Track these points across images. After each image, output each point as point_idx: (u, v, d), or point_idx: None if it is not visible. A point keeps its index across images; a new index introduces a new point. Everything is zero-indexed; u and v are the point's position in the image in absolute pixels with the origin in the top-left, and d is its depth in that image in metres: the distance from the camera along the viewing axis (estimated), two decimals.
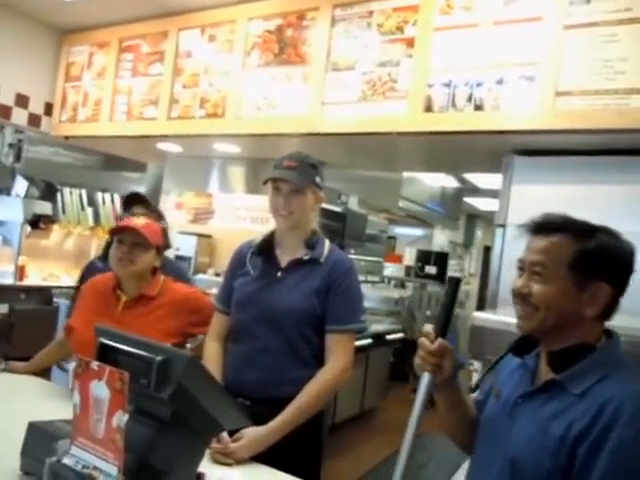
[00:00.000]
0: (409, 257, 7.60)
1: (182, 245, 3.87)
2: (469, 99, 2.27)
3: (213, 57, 3.08)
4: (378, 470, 3.66)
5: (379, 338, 4.58)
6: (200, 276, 3.80)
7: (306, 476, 1.36)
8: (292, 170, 1.59)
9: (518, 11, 2.17)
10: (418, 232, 8.36)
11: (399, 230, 8.19)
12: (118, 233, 1.79)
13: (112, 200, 4.73)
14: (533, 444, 1.00)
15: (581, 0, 2.04)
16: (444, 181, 5.82)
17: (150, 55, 3.37)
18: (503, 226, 2.40)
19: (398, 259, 7.43)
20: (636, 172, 2.11)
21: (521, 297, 1.07)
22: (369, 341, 4.13)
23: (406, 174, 5.09)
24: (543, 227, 1.07)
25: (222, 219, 4.01)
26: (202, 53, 3.13)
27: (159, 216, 2.22)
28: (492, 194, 3.85)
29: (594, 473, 0.92)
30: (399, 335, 5.18)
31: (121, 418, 0.90)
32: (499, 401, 1.14)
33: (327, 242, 1.65)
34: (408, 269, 7.19)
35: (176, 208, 4.25)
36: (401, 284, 6.99)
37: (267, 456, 1.43)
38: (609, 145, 2.13)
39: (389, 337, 4.92)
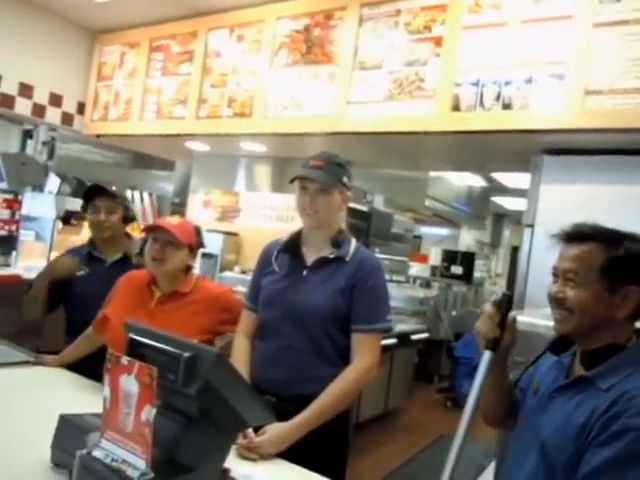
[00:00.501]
0: (435, 257, 7.54)
1: (209, 243, 3.87)
2: (497, 98, 2.24)
3: (241, 57, 3.10)
4: (401, 470, 3.65)
5: (404, 338, 4.56)
6: (226, 273, 3.85)
7: (331, 474, 1.36)
8: (319, 169, 1.60)
9: (547, 9, 2.14)
10: (444, 232, 8.28)
11: (425, 229, 8.14)
12: (152, 231, 1.83)
13: (141, 198, 4.82)
14: (560, 431, 1.09)
15: None
16: (471, 180, 5.76)
17: (180, 55, 3.42)
18: (531, 226, 2.37)
19: (424, 259, 7.38)
20: None
21: (557, 301, 1.15)
22: (394, 341, 4.12)
23: (432, 173, 5.06)
24: (574, 236, 1.16)
25: (248, 217, 4.05)
26: (230, 53, 3.16)
27: (126, 207, 2.24)
28: (520, 193, 3.79)
29: (592, 455, 1.01)
30: (424, 335, 5.14)
31: (149, 412, 0.92)
32: (537, 395, 1.23)
33: (354, 241, 1.66)
34: (434, 269, 7.14)
35: (203, 206, 4.30)
36: (426, 284, 6.94)
37: (292, 453, 1.45)
38: (637, 144, 2.08)
39: (414, 337, 4.89)
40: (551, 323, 1.71)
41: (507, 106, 2.22)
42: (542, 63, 2.14)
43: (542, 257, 2.31)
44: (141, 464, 0.93)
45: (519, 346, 1.29)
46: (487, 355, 1.24)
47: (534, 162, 2.40)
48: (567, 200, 2.27)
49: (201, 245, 1.93)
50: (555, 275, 1.18)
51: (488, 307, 1.27)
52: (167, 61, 3.48)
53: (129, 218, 2.28)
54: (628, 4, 1.97)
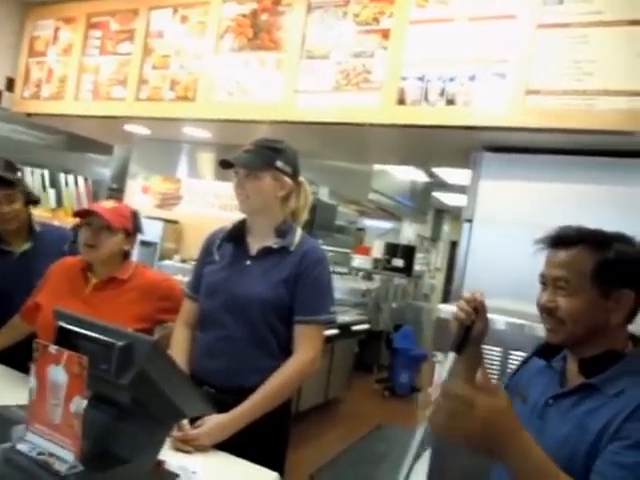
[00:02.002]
0: (377, 249, 7.67)
1: (147, 230, 3.77)
2: (441, 94, 2.28)
3: (185, 39, 3.01)
4: (340, 458, 3.69)
5: (345, 329, 4.61)
6: (166, 262, 3.75)
7: (271, 464, 1.35)
8: (248, 153, 1.58)
9: (493, 8, 2.18)
10: (387, 225, 8.43)
11: (368, 222, 8.25)
12: (84, 216, 1.75)
13: (76, 182, 4.61)
14: (572, 440, 1.02)
15: (554, 1, 2.07)
16: (414, 175, 5.87)
17: (119, 33, 3.27)
18: (470, 221, 2.43)
19: (366, 251, 7.48)
20: (602, 172, 2.16)
21: (548, 311, 1.10)
22: (336, 331, 4.16)
23: (377, 167, 5.12)
24: (560, 241, 1.11)
25: (190, 205, 3.95)
26: (174, 34, 3.05)
27: (25, 191, 2.09)
28: (460, 190, 3.90)
29: (616, 454, 0.95)
30: (365, 326, 5.23)
31: (79, 404, 0.88)
32: (527, 403, 1.16)
33: (299, 231, 1.64)
34: (376, 261, 7.26)
35: (142, 192, 4.16)
36: (368, 276, 7.04)
37: (231, 444, 1.42)
38: (576, 145, 2.17)
39: (355, 328, 4.96)
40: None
41: (451, 102, 2.26)
42: (485, 61, 2.19)
43: (480, 252, 2.39)
44: (70, 457, 0.88)
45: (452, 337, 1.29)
46: (451, 357, 1.18)
47: (474, 158, 2.46)
48: (505, 196, 2.35)
49: (138, 230, 1.87)
50: (543, 283, 1.14)
51: (467, 293, 1.24)
52: (105, 39, 3.32)
53: (32, 201, 2.14)
54: (571, 7, 2.04)
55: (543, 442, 1.03)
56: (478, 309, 1.22)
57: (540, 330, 1.67)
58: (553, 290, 1.10)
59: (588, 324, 1.07)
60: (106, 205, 1.79)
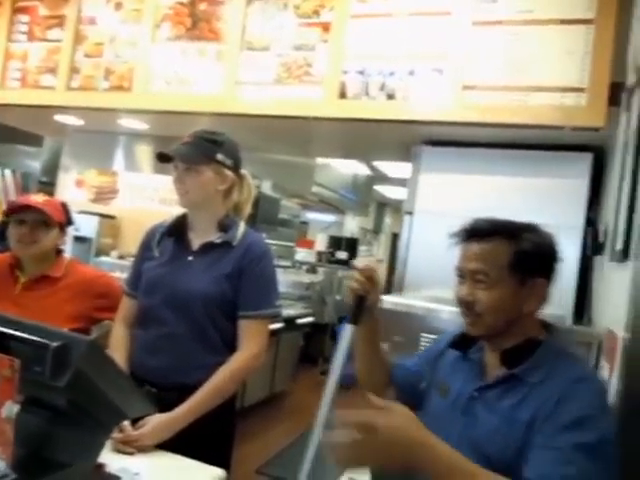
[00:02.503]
0: (321, 242, 7.71)
1: (82, 226, 3.64)
2: (382, 88, 2.31)
3: (119, 26, 2.89)
4: (286, 452, 3.70)
5: (290, 322, 4.61)
6: (103, 258, 3.62)
7: (216, 461, 1.34)
8: (186, 146, 1.54)
9: (430, 4, 2.23)
10: (330, 218, 8.48)
11: (311, 215, 8.27)
12: (17, 212, 1.67)
13: (2, 175, 4.36)
14: (500, 435, 1.02)
15: None
16: (356, 169, 5.93)
17: (48, 19, 3.11)
18: (411, 213, 2.49)
19: (310, 244, 7.51)
20: (535, 165, 2.26)
21: (466, 305, 1.11)
22: (280, 325, 4.15)
23: (320, 160, 5.13)
24: (475, 233, 1.12)
25: (127, 199, 3.83)
26: (107, 21, 2.93)
27: None
28: (401, 182, 3.98)
29: (539, 435, 0.97)
30: (309, 319, 5.25)
31: (11, 409, 0.83)
32: (448, 397, 1.16)
33: (242, 225, 1.62)
34: (319, 254, 7.30)
35: (76, 186, 3.99)
36: (312, 269, 7.07)
37: (175, 443, 1.39)
38: (511, 139, 2.27)
39: (299, 321, 4.97)
40: (428, 304, 1.82)
41: (391, 96, 2.29)
42: (424, 57, 2.23)
43: (420, 243, 2.45)
44: (1, 465, 0.84)
45: (399, 326, 1.31)
46: (349, 329, 1.17)
47: (414, 152, 2.51)
48: (444, 189, 2.41)
49: (70, 223, 1.79)
50: (461, 276, 1.14)
51: (359, 263, 1.23)
52: (33, 25, 3.15)
53: None
54: (504, 5, 2.11)
55: (472, 436, 1.06)
56: (372, 278, 1.20)
57: None
58: (471, 283, 1.10)
59: (506, 315, 1.08)
60: (38, 199, 1.71)
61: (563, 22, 2.02)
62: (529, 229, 1.12)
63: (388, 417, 0.83)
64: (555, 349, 1.10)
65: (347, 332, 1.16)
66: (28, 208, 1.65)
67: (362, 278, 1.20)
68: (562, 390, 0.99)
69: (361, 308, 1.20)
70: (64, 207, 1.78)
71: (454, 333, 1.24)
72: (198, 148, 1.53)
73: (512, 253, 1.08)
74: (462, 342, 1.20)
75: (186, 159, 1.52)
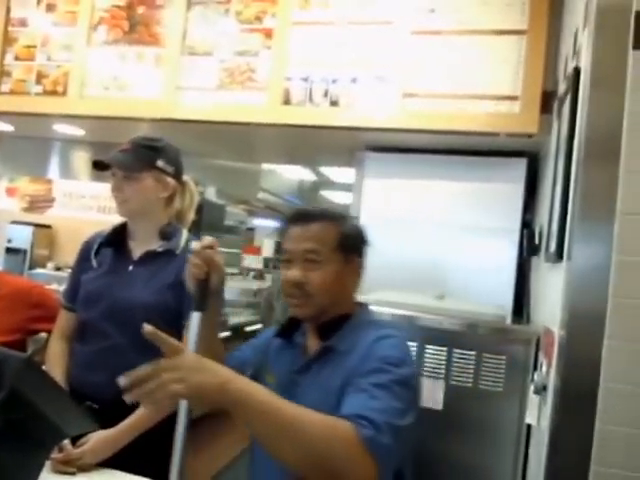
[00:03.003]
0: (267, 248, 7.67)
1: (15, 236, 3.48)
2: (325, 95, 2.33)
3: (53, 29, 2.78)
4: (237, 462, 3.64)
5: (238, 330, 4.56)
6: (38, 270, 3.46)
7: (162, 478, 1.30)
8: (125, 153, 1.50)
9: (371, 13, 2.27)
10: (276, 224, 8.45)
11: (258, 221, 8.22)
12: None
13: None
14: (320, 406, 1.04)
15: (427, 9, 2.19)
16: (301, 174, 5.94)
17: None
18: (356, 218, 2.51)
19: (257, 250, 7.46)
20: (474, 170, 2.34)
21: (297, 286, 1.16)
22: (228, 334, 4.09)
23: (265, 166, 5.10)
24: (304, 216, 1.20)
25: (64, 208, 3.69)
26: (39, 23, 2.81)
27: None
28: (346, 188, 4.01)
29: (347, 396, 1.04)
30: (258, 326, 5.21)
31: None
32: (276, 385, 1.19)
33: (185, 232, 1.59)
34: (267, 260, 7.26)
35: (7, 195, 3.80)
36: (260, 275, 7.02)
37: (118, 460, 1.35)
38: (451, 145, 2.33)
39: (248, 329, 4.92)
40: (374, 307, 1.84)
41: (334, 103, 2.31)
42: (366, 64, 2.27)
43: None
44: None
45: None
46: (196, 317, 1.13)
47: (358, 158, 2.55)
48: (387, 194, 2.46)
49: None
50: (288, 260, 1.18)
51: (195, 245, 1.18)
52: None
53: None
54: (441, 16, 2.17)
55: None
56: (210, 260, 1.16)
57: (425, 320, 1.77)
58: (302, 265, 1.16)
59: (332, 293, 1.16)
60: None
61: (498, 32, 2.11)
62: (347, 215, 1.27)
63: (185, 356, 0.88)
64: (363, 320, 1.21)
65: (194, 320, 1.12)
66: None
67: (199, 261, 1.16)
68: (364, 351, 1.10)
69: (205, 293, 1.15)
70: None
71: (279, 323, 1.31)
72: (137, 155, 1.49)
73: (339, 233, 1.18)
74: (286, 329, 1.27)
75: (125, 167, 1.48)
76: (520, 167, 2.30)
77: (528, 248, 2.01)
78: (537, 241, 1.95)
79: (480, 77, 2.12)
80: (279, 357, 1.25)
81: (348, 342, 1.14)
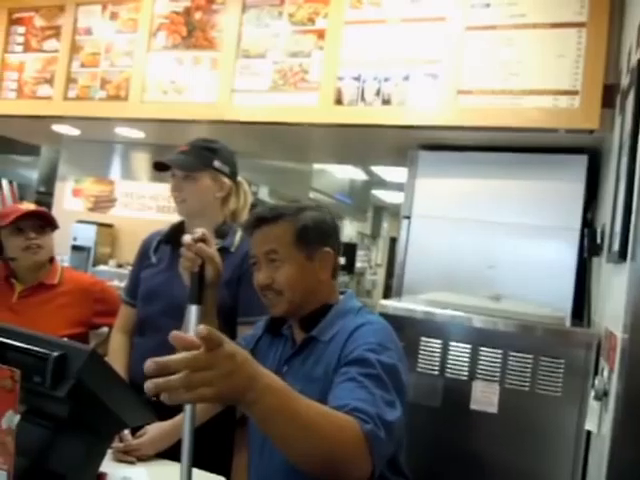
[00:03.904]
0: None
1: (80, 235, 3.65)
2: (377, 93, 2.32)
3: (115, 36, 2.91)
4: None
5: None
6: (101, 267, 3.61)
7: (217, 469, 1.33)
8: (183, 154, 1.55)
9: (424, 10, 2.25)
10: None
11: None
12: (14, 222, 1.68)
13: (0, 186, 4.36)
14: (305, 395, 1.04)
15: (482, 3, 2.15)
16: (353, 173, 5.95)
17: (44, 30, 3.12)
18: (408, 218, 2.49)
19: None
20: (531, 168, 2.27)
21: (267, 287, 1.18)
22: None
23: (316, 166, 5.14)
24: (261, 220, 1.20)
25: (125, 207, 3.83)
26: (103, 31, 2.94)
27: None
28: (398, 187, 3.99)
29: (335, 382, 1.03)
30: None
31: (11, 419, 0.83)
32: None
33: (239, 231, 1.62)
34: None
35: (73, 195, 3.99)
36: None
37: (175, 452, 1.39)
38: (506, 142, 2.27)
39: None
40: (427, 308, 1.82)
41: (386, 102, 2.30)
42: (418, 62, 2.25)
43: (418, 247, 2.45)
44: (2, 476, 0.84)
45: (398, 331, 1.28)
46: (194, 310, 1.11)
47: (410, 157, 2.52)
48: (441, 193, 2.42)
49: (55, 228, 1.82)
50: (255, 264, 1.21)
51: (186, 238, 1.21)
52: (30, 35, 3.16)
53: None
54: (497, 10, 2.12)
55: None
56: (202, 252, 1.18)
57: (480, 321, 1.74)
58: (266, 266, 1.18)
59: (303, 287, 1.18)
60: (30, 207, 1.74)
61: (555, 26, 2.04)
62: (308, 208, 1.24)
63: (223, 351, 0.75)
64: (345, 308, 1.21)
65: (192, 313, 1.11)
66: (27, 215, 1.67)
67: (191, 254, 1.18)
68: (344, 339, 1.10)
69: (200, 286, 1.16)
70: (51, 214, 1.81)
71: (266, 320, 1.32)
72: (196, 156, 1.54)
73: (295, 229, 1.18)
74: (273, 325, 1.28)
75: (184, 167, 1.53)
76: (580, 164, 2.21)
77: (589, 248, 1.93)
78: (599, 241, 1.87)
79: (537, 72, 2.05)
80: (268, 353, 1.27)
81: (329, 331, 1.16)
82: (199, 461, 1.33)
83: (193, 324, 1.08)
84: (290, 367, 1.19)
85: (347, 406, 0.93)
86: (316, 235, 1.20)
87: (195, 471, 1.31)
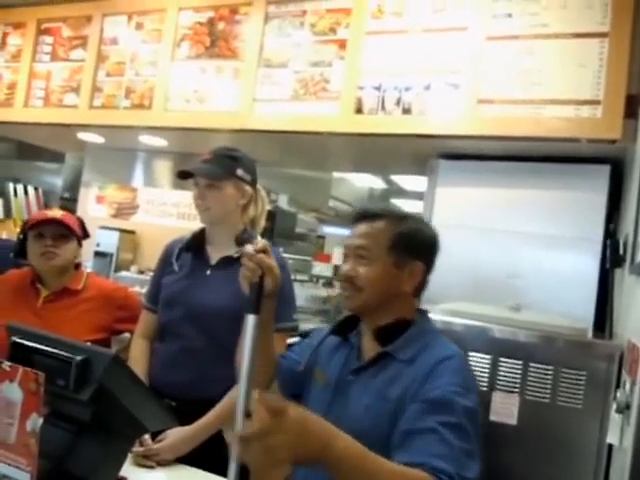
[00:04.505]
0: (337, 256, 7.69)
1: (103, 241, 3.71)
2: (397, 103, 2.33)
3: (140, 46, 2.96)
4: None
5: (307, 336, 4.60)
6: (123, 273, 3.66)
7: (216, 470, 1.34)
8: (207, 163, 1.56)
9: (445, 20, 2.25)
10: (347, 232, 8.45)
11: (328, 229, 8.27)
12: (38, 226, 1.72)
13: (25, 191, 4.46)
14: (373, 412, 1.08)
15: (503, 13, 2.14)
16: (372, 182, 5.94)
17: (72, 39, 3.20)
18: (427, 223, 2.48)
19: (327, 258, 7.49)
20: (552, 178, 2.24)
21: (347, 279, 1.18)
22: (298, 339, 4.15)
23: (336, 174, 5.15)
24: (364, 215, 1.20)
25: (147, 214, 3.88)
26: (128, 41, 3.01)
27: None
28: (417, 196, 3.98)
29: (407, 413, 1.02)
30: None
31: (35, 421, 0.85)
32: (327, 386, 1.20)
33: (260, 238, 1.63)
34: (336, 268, 7.28)
35: (97, 202, 4.06)
36: (329, 283, 7.05)
37: (195, 457, 1.40)
38: (527, 152, 2.26)
39: None
40: (447, 318, 1.81)
41: (407, 111, 2.31)
42: (439, 71, 2.25)
43: (438, 256, 2.44)
44: (26, 477, 0.85)
45: None
46: (251, 319, 1.11)
47: (430, 166, 2.51)
48: (461, 202, 2.41)
49: (86, 236, 1.84)
50: (346, 255, 1.22)
51: (248, 248, 1.18)
52: (57, 45, 3.24)
53: None
54: (518, 20, 2.12)
55: (346, 416, 1.09)
56: (263, 263, 1.16)
57: (500, 332, 1.72)
58: (354, 260, 1.18)
59: (382, 290, 1.16)
60: (56, 214, 1.76)
61: (577, 36, 2.02)
62: (414, 218, 1.23)
63: (288, 419, 0.77)
64: (425, 329, 1.19)
65: (250, 323, 1.10)
66: (48, 222, 1.70)
67: (252, 264, 1.16)
68: (428, 370, 1.07)
69: (259, 296, 1.15)
70: (80, 221, 1.83)
71: (334, 323, 1.30)
72: (219, 165, 1.56)
73: (393, 234, 1.17)
74: (342, 328, 1.26)
75: (208, 176, 1.55)
76: (603, 174, 2.18)
77: (612, 259, 1.90)
78: (621, 252, 1.85)
79: (559, 81, 2.04)
80: (332, 356, 1.25)
81: (408, 352, 1.13)
82: (218, 468, 1.35)
83: (251, 334, 1.10)
84: (357, 378, 1.16)
85: (426, 464, 0.91)
86: (411, 246, 1.18)
87: (195, 471, 1.32)
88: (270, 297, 1.21)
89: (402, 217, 1.20)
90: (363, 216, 1.21)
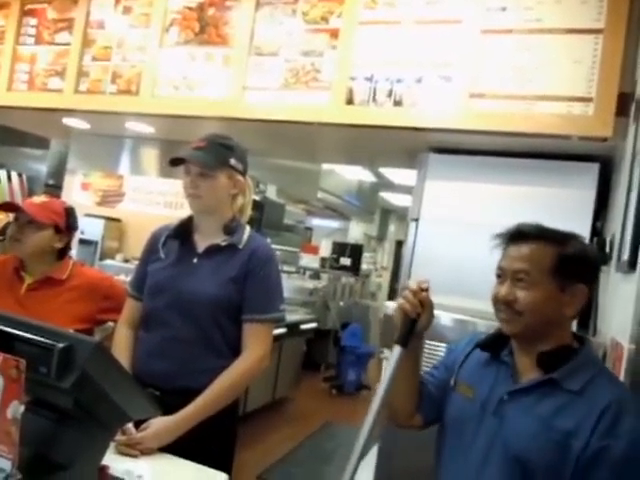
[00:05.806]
0: (325, 248, 7.72)
1: (87, 228, 3.66)
2: (389, 95, 2.31)
3: (128, 30, 2.91)
4: (288, 457, 3.68)
5: (293, 328, 4.61)
6: (108, 262, 3.63)
7: (218, 465, 1.33)
8: (200, 150, 1.54)
9: (439, 12, 2.24)
10: (334, 224, 8.50)
11: (316, 221, 8.28)
12: (8, 211, 1.72)
13: (9, 178, 4.38)
14: (540, 440, 1.04)
15: (498, 7, 2.14)
16: (361, 175, 5.95)
17: (57, 22, 3.13)
18: (416, 220, 2.48)
19: (314, 250, 7.51)
20: (541, 174, 2.25)
21: (506, 303, 1.12)
22: (284, 330, 4.15)
23: (325, 166, 5.14)
24: (520, 235, 1.14)
25: (133, 202, 3.84)
26: (116, 25, 2.95)
27: None
28: (406, 190, 3.98)
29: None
30: (313, 325, 5.25)
31: (17, 409, 0.83)
32: (475, 398, 1.17)
33: (247, 228, 1.62)
34: (323, 260, 7.30)
35: (82, 189, 4.01)
36: (316, 275, 7.07)
37: (178, 447, 1.39)
38: (517, 147, 2.26)
39: (303, 327, 4.96)
40: (444, 312, 1.81)
41: (398, 103, 2.30)
42: (432, 64, 2.24)
43: (425, 250, 2.44)
44: (7, 465, 0.84)
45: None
46: (397, 351, 1.16)
47: (420, 159, 2.51)
48: (450, 196, 2.41)
49: (72, 227, 1.80)
50: (499, 276, 1.16)
51: (413, 284, 1.20)
52: (42, 27, 3.17)
53: None
54: (513, 14, 2.11)
55: (503, 437, 1.07)
56: (424, 301, 1.18)
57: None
58: (512, 283, 1.12)
59: (544, 316, 1.10)
60: (35, 200, 1.74)
61: (572, 31, 2.02)
62: (574, 237, 1.14)
63: None
64: (591, 359, 1.13)
65: (395, 354, 1.16)
66: (17, 208, 1.70)
67: (415, 300, 1.17)
68: (604, 407, 1.01)
69: (411, 331, 1.18)
70: (67, 211, 1.77)
71: (479, 336, 1.25)
72: (214, 153, 1.53)
73: (556, 257, 1.10)
74: (492, 344, 1.21)
75: (203, 164, 1.52)
76: (592, 172, 2.19)
77: (598, 257, 1.92)
78: (608, 250, 1.86)
79: (551, 77, 2.04)
80: (481, 373, 1.20)
81: (576, 382, 1.07)
82: (201, 458, 1.34)
83: (395, 364, 1.14)
84: (513, 400, 1.11)
85: None
86: (577, 269, 1.10)
87: (197, 467, 1.31)
88: (419, 335, 1.21)
89: (565, 237, 1.13)
90: (520, 237, 1.14)
